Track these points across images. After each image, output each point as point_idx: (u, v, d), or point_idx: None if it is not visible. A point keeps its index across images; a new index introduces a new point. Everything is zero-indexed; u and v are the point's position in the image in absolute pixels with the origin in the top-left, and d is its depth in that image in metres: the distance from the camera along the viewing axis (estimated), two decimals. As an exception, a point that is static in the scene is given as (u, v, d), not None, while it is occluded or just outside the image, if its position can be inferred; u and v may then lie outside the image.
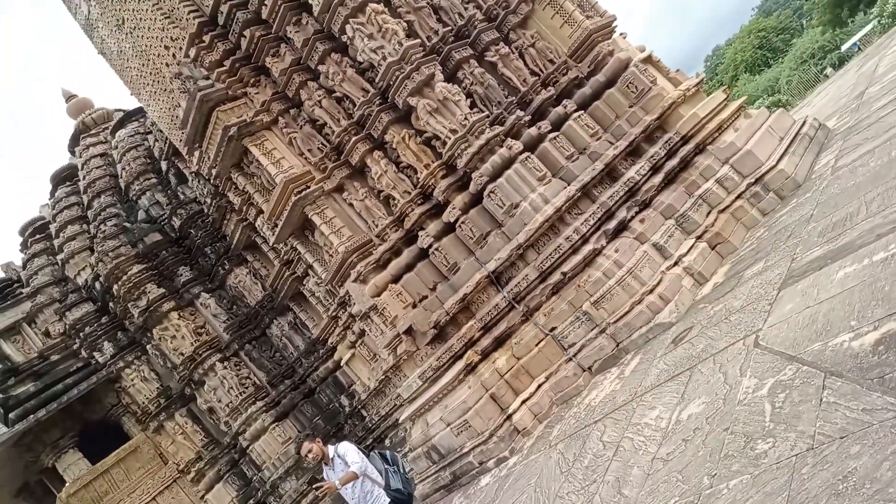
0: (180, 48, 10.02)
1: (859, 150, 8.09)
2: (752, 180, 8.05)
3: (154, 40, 10.37)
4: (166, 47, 10.20)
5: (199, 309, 13.21)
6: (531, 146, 8.95)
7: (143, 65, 10.96)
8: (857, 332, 4.06)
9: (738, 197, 8.02)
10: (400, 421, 9.46)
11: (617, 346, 7.32)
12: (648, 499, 4.24)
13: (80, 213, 14.82)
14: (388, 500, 5.34)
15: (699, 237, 7.83)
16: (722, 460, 3.97)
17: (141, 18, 10.31)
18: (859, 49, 34.01)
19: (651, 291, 7.23)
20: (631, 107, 9.19)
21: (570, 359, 7.67)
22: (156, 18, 10.15)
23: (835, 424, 3.46)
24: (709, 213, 8.09)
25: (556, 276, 8.15)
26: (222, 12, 9.64)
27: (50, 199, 16.03)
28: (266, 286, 12.86)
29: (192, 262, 13.54)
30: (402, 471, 5.59)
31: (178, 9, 9.97)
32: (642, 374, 6.23)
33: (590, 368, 7.48)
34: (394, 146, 9.33)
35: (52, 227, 15.01)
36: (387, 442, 10.86)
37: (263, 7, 9.36)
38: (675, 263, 7.58)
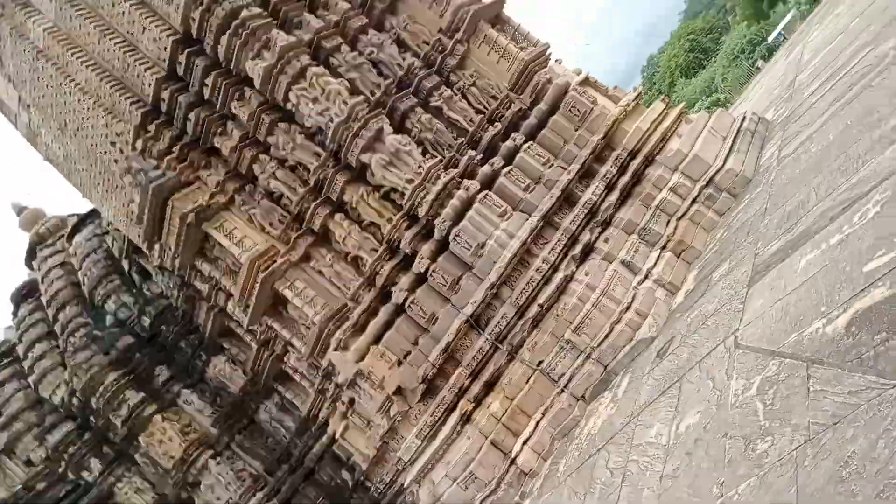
0: (127, 142, 10.00)
1: (799, 137, 8.38)
2: (704, 183, 8.26)
3: (99, 138, 10.34)
4: (112, 143, 10.17)
5: (182, 407, 12.84)
6: (487, 183, 9.07)
7: (92, 165, 10.90)
8: (829, 316, 4.13)
9: (693, 202, 8.21)
10: (406, 485, 9.21)
11: (605, 369, 7.30)
12: (662, 520, 4.18)
13: (46, 329, 14.42)
14: None
15: (663, 247, 7.95)
16: (727, 467, 3.94)
17: (83, 118, 10.30)
18: (784, 38, 35.47)
19: (627, 309, 7.29)
20: (577, 130, 9.41)
21: (562, 390, 7.61)
22: (98, 116, 10.14)
23: (826, 412, 3.48)
24: (668, 223, 8.24)
25: (534, 310, 8.16)
26: (164, 99, 9.69)
27: (13, 320, 15.59)
28: (247, 371, 12.57)
29: (168, 359, 13.22)
30: None
31: (119, 102, 10.00)
32: (634, 393, 6.21)
33: (583, 397, 7.43)
34: (354, 206, 9.36)
35: (20, 349, 14.54)
36: (396, 509, 10.54)
37: (205, 87, 9.44)
38: (646, 277, 7.67)
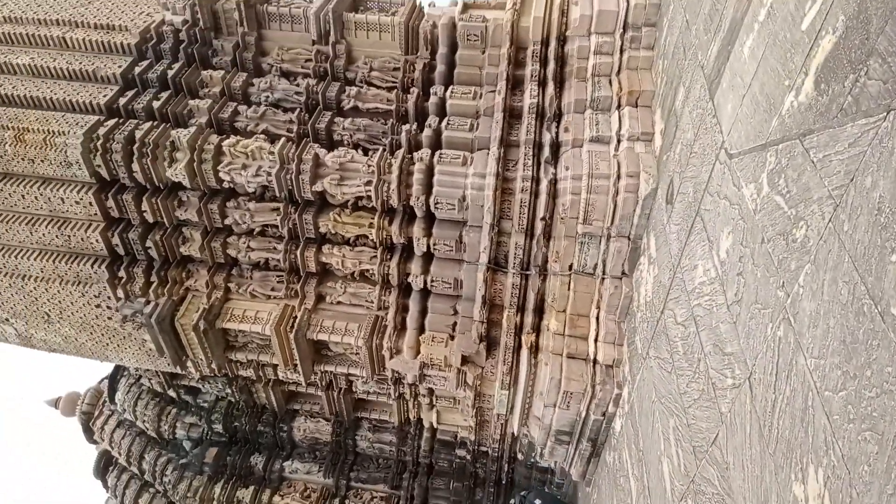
0: (109, 297, 10.04)
1: (679, -63, 8.26)
2: (621, 30, 8.22)
3: (84, 308, 10.39)
4: (97, 306, 10.22)
5: (291, 479, 13.24)
6: (435, 144, 9.08)
7: (92, 332, 10.97)
8: (794, 87, 4.17)
9: (622, 51, 8.19)
10: (516, 433, 9.54)
11: (629, 239, 7.45)
12: (749, 341, 4.35)
13: (140, 483, 14.78)
14: None
15: (619, 106, 7.99)
16: (779, 268, 4.07)
17: (60, 301, 10.33)
18: None
19: (618, 177, 7.37)
20: (484, 52, 9.36)
21: (603, 278, 7.79)
22: (71, 292, 10.18)
23: (838, 174, 3.55)
24: (611, 82, 8.25)
25: (540, 226, 8.28)
26: (117, 244, 9.70)
27: (108, 492, 16.00)
28: (328, 417, 12.90)
29: (256, 447, 13.56)
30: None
31: (81, 270, 10.01)
32: (665, 246, 6.35)
33: (623, 274, 7.61)
34: (334, 232, 9.43)
35: (127, 513, 14.99)
36: (519, 457, 10.94)
37: (145, 214, 9.43)
38: (619, 140, 7.73)
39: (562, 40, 8.82)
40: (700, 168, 5.54)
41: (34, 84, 9.84)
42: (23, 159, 9.27)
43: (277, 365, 10.70)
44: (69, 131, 9.09)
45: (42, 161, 9.23)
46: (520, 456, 10.95)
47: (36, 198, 9.57)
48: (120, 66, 9.73)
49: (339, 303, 9.97)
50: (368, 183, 8.78)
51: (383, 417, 12.87)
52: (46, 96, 9.61)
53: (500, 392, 9.12)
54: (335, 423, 13.05)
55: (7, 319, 11.65)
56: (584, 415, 8.04)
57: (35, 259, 10.12)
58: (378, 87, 9.67)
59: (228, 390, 12.75)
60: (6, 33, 10.43)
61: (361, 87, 9.59)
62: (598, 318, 7.88)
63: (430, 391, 10.99)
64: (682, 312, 5.56)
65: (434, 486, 12.86)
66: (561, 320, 8.23)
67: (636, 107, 7.79)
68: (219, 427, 13.43)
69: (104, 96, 9.46)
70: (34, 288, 10.44)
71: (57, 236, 9.82)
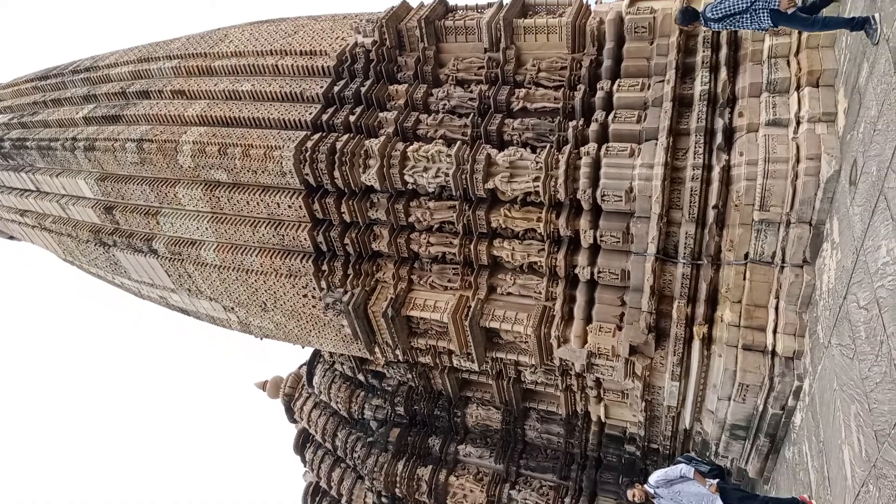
0: (313, 288, 11.64)
1: None
2: (800, 8, 7.86)
3: (293, 297, 12.13)
4: (304, 296, 11.88)
5: (465, 461, 14.10)
6: (602, 137, 9.33)
7: (298, 320, 12.74)
8: None
9: (800, 32, 7.83)
10: (689, 427, 9.41)
11: (810, 225, 7.13)
12: (937, 320, 4.17)
13: (333, 458, 16.62)
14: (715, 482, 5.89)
15: (798, 87, 7.65)
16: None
17: (275, 292, 12.18)
18: None
19: (798, 161, 7.10)
20: (652, 43, 9.42)
21: (782, 266, 7.51)
22: (284, 284, 11.95)
23: None
24: (788, 62, 7.92)
25: (712, 214, 8.18)
26: (321, 241, 11.22)
27: (305, 465, 18.16)
28: (497, 405, 13.56)
29: (433, 429, 14.63)
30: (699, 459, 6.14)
31: (292, 264, 11.72)
32: (848, 229, 6.07)
33: (804, 261, 7.28)
34: (504, 226, 10.05)
35: (323, 483, 16.91)
36: (693, 454, 10.66)
37: (344, 215, 10.82)
38: (798, 123, 7.42)
39: (733, 25, 8.61)
40: (884, 146, 5.29)
41: (254, 107, 11.75)
42: (248, 171, 11.13)
43: (453, 352, 11.57)
44: (283, 145, 10.75)
45: (263, 172, 11.01)
46: (693, 453, 10.69)
47: (258, 203, 11.42)
48: (321, 87, 11.28)
49: (509, 293, 10.57)
50: (536, 179, 9.28)
51: (551, 409, 13.23)
52: (264, 116, 11.42)
53: (670, 383, 9.10)
54: (505, 412, 13.66)
55: (232, 308, 13.90)
56: (761, 408, 7.79)
57: (256, 256, 12.03)
58: (546, 87, 10.14)
59: (409, 375, 13.93)
60: (232, 65, 12.55)
61: (530, 88, 10.13)
62: (776, 309, 7.61)
63: (598, 383, 11.16)
64: (865, 296, 5.34)
65: (603, 480, 12.92)
66: (736, 311, 8.05)
67: (817, 87, 7.41)
68: (401, 409, 14.70)
69: (310, 114, 11.04)
70: (255, 280, 12.40)
71: (273, 235, 11.61)
